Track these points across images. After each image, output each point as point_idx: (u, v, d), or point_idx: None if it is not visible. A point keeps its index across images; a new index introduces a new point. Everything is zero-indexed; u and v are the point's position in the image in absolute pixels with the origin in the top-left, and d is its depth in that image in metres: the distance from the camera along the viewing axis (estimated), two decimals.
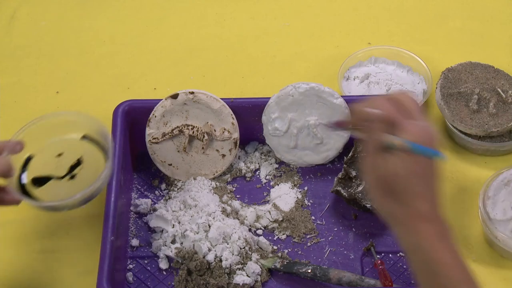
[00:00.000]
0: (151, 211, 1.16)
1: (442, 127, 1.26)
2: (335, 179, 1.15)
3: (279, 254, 1.11)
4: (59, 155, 1.02)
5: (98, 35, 1.43)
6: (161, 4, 1.48)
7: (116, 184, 1.08)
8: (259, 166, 1.22)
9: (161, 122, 1.17)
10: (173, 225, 1.12)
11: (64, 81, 1.36)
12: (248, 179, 1.20)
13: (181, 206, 1.14)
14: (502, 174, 1.12)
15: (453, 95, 1.23)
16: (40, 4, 1.48)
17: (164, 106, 1.17)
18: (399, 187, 0.82)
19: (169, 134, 1.17)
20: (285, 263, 1.09)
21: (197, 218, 1.11)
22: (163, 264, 1.10)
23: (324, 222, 1.15)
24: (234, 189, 1.19)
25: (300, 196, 1.17)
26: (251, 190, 1.19)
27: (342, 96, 1.17)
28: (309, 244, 1.13)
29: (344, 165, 1.15)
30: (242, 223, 1.13)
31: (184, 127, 1.17)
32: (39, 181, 1.01)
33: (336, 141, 1.18)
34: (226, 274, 1.07)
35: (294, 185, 1.19)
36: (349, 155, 1.16)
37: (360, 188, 1.12)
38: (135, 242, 1.13)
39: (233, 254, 1.09)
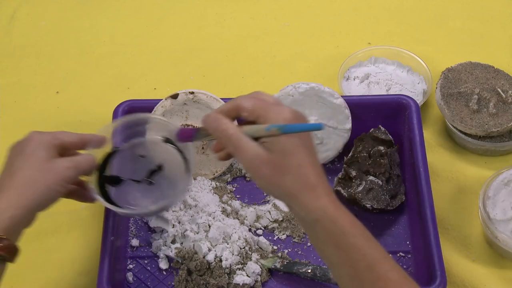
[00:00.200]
0: None
1: (442, 127, 1.26)
2: (335, 179, 1.15)
3: (279, 254, 1.11)
4: (141, 156, 1.00)
5: (98, 35, 1.43)
6: (161, 4, 1.48)
7: None
8: None
9: None
10: (173, 225, 1.12)
11: (64, 81, 1.36)
12: (248, 179, 1.20)
13: (181, 206, 1.14)
14: (502, 174, 1.12)
15: (453, 95, 1.23)
16: (40, 4, 1.48)
17: (164, 106, 1.17)
18: (291, 162, 0.83)
19: None
20: (285, 263, 1.09)
21: (197, 218, 1.11)
22: (163, 264, 1.10)
23: None
24: (234, 189, 1.19)
25: None
26: (251, 190, 1.19)
27: (342, 96, 1.17)
28: (309, 244, 1.13)
29: (344, 165, 1.15)
30: (242, 223, 1.13)
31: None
32: (116, 181, 1.00)
33: (336, 141, 1.18)
34: (226, 274, 1.07)
35: None
36: (349, 155, 1.16)
37: (360, 188, 1.12)
38: (135, 242, 1.13)
39: (233, 254, 1.09)
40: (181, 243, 1.10)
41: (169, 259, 1.11)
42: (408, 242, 1.12)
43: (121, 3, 1.48)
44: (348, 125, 1.17)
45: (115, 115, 1.16)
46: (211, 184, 1.18)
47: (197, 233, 1.10)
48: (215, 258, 1.08)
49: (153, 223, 1.13)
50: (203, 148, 1.18)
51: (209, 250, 1.09)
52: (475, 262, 1.11)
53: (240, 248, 1.09)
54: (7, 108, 1.32)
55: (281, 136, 0.83)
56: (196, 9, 1.47)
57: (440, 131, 1.26)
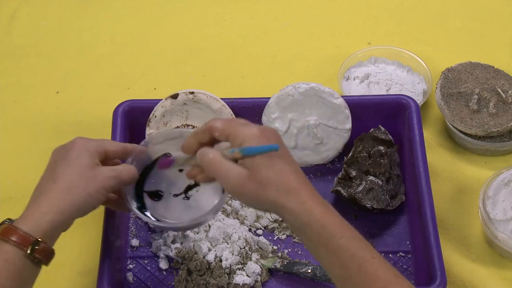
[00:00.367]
0: None
1: (442, 127, 1.26)
2: (335, 179, 1.15)
3: (279, 254, 1.11)
4: (180, 170, 1.00)
5: (98, 35, 1.43)
6: (161, 4, 1.48)
7: None
8: None
9: (161, 122, 1.17)
10: None
11: (64, 81, 1.36)
12: None
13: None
14: (502, 174, 1.12)
15: (453, 95, 1.23)
16: (40, 4, 1.48)
17: (164, 106, 1.17)
18: (270, 173, 0.86)
19: None
20: (285, 263, 1.09)
21: None
22: (163, 264, 1.10)
23: None
24: None
25: None
26: None
27: (342, 96, 1.17)
28: None
29: (344, 165, 1.15)
30: (242, 223, 1.13)
31: (184, 127, 1.17)
32: (157, 195, 1.01)
33: (336, 141, 1.18)
34: (226, 274, 1.07)
35: None
36: (349, 155, 1.16)
37: (360, 188, 1.12)
38: (135, 242, 1.13)
39: (233, 254, 1.09)
40: (181, 243, 1.10)
41: (169, 259, 1.11)
42: (408, 242, 1.12)
43: (121, 3, 1.48)
44: (348, 125, 1.17)
45: (115, 115, 1.16)
46: None
47: (197, 233, 1.10)
48: (215, 258, 1.08)
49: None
50: None
51: (209, 250, 1.09)
52: (475, 262, 1.11)
53: (240, 248, 1.09)
54: (7, 108, 1.32)
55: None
56: (196, 9, 1.47)
57: (440, 131, 1.26)
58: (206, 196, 1.00)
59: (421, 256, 1.05)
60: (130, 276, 1.10)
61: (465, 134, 1.21)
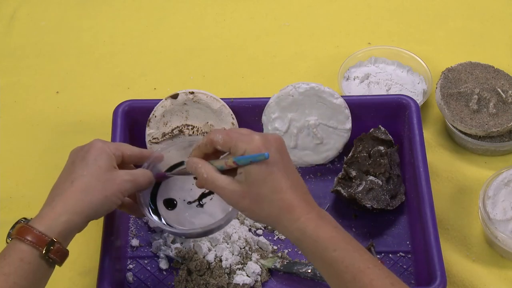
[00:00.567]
0: None
1: (442, 127, 1.26)
2: (335, 179, 1.15)
3: (279, 254, 1.11)
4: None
5: (98, 35, 1.43)
6: (161, 4, 1.48)
7: None
8: None
9: (161, 122, 1.17)
10: None
11: (64, 81, 1.36)
12: None
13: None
14: (502, 174, 1.12)
15: (453, 95, 1.23)
16: (40, 4, 1.48)
17: (164, 106, 1.17)
18: (264, 191, 0.87)
19: (169, 134, 1.17)
20: (285, 263, 1.09)
21: None
22: (163, 264, 1.10)
23: None
24: None
25: None
26: None
27: (342, 96, 1.17)
28: None
29: (344, 165, 1.15)
30: (242, 223, 1.13)
31: (184, 127, 1.17)
32: (172, 204, 1.02)
33: (336, 141, 1.18)
34: (226, 274, 1.07)
35: None
36: (349, 155, 1.16)
37: (360, 188, 1.12)
38: (135, 242, 1.13)
39: (233, 254, 1.09)
40: (181, 243, 1.10)
41: (169, 259, 1.11)
42: (408, 242, 1.12)
43: (121, 3, 1.48)
44: (348, 125, 1.17)
45: (115, 115, 1.16)
46: None
47: None
48: (215, 258, 1.08)
49: (153, 223, 1.13)
50: None
51: (209, 250, 1.09)
52: (475, 262, 1.11)
53: (240, 248, 1.09)
54: (7, 108, 1.32)
55: (252, 166, 0.88)
56: (196, 9, 1.47)
57: (440, 131, 1.26)
58: (220, 204, 1.01)
59: (421, 256, 1.05)
60: (130, 276, 1.10)
61: (465, 134, 1.21)
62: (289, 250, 1.12)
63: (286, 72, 1.36)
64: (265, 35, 1.42)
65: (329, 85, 1.17)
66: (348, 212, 1.15)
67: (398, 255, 1.11)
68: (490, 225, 1.08)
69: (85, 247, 1.13)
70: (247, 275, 1.08)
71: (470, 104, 1.22)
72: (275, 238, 1.13)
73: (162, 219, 1.01)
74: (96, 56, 1.40)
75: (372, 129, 1.17)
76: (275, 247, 1.12)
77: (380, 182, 1.13)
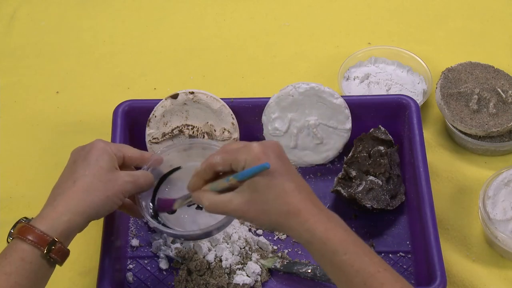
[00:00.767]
0: None
1: (442, 127, 1.26)
2: (335, 179, 1.15)
3: (279, 254, 1.11)
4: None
5: (98, 35, 1.43)
6: (161, 4, 1.48)
7: None
8: None
9: (161, 122, 1.17)
10: None
11: (64, 81, 1.36)
12: None
13: None
14: (502, 174, 1.12)
15: (453, 95, 1.23)
16: (40, 4, 1.48)
17: (164, 106, 1.17)
18: (269, 197, 0.87)
19: (169, 134, 1.17)
20: (285, 263, 1.09)
21: None
22: (163, 264, 1.10)
23: None
24: None
25: None
26: None
27: (342, 96, 1.17)
28: None
29: (344, 165, 1.15)
30: (242, 223, 1.13)
31: (184, 127, 1.17)
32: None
33: (336, 141, 1.18)
34: (226, 274, 1.07)
35: None
36: (349, 155, 1.16)
37: (360, 188, 1.12)
38: (135, 242, 1.13)
39: (233, 254, 1.09)
40: (181, 243, 1.10)
41: (169, 259, 1.11)
42: (408, 242, 1.12)
43: (121, 3, 1.48)
44: (348, 125, 1.17)
45: (115, 115, 1.16)
46: None
47: None
48: (215, 258, 1.08)
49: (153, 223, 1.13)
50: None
51: (209, 250, 1.09)
52: (475, 262, 1.11)
53: (240, 248, 1.09)
54: (7, 108, 1.32)
55: (254, 177, 0.88)
56: (196, 9, 1.47)
57: (440, 131, 1.26)
58: None
59: (421, 256, 1.05)
60: (130, 276, 1.10)
61: (465, 134, 1.21)
62: (289, 250, 1.12)
63: (286, 72, 1.36)
64: (265, 35, 1.42)
65: (329, 85, 1.17)
66: (348, 212, 1.15)
67: (398, 255, 1.11)
68: (490, 225, 1.08)
69: (85, 247, 1.13)
70: (247, 275, 1.08)
71: (470, 104, 1.22)
72: (275, 238, 1.13)
73: (162, 221, 1.01)
74: (96, 56, 1.40)
75: (372, 129, 1.17)
76: (275, 247, 1.12)
77: (380, 182, 1.13)
